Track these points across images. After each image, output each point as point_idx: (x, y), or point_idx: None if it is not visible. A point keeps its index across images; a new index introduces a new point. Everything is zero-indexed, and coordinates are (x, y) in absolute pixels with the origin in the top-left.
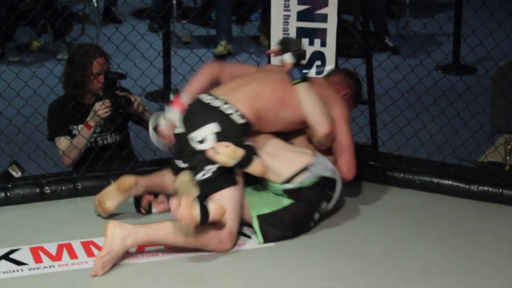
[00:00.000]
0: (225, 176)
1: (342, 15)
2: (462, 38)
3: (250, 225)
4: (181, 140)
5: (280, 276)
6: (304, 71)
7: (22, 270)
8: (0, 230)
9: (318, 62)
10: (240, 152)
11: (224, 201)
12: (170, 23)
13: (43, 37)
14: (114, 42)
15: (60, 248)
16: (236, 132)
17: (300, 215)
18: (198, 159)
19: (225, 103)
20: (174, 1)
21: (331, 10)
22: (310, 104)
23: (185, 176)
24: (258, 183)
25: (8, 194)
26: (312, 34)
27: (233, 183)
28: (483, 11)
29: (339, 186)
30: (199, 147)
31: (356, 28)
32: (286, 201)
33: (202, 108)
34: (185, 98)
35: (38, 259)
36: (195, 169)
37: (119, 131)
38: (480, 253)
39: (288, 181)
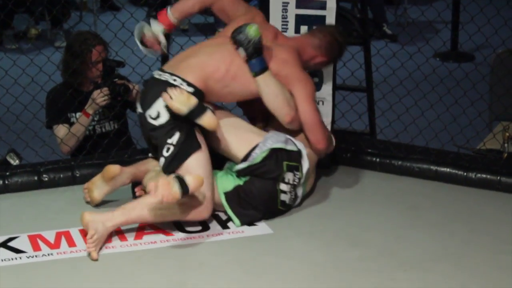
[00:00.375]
0: (187, 144)
1: (340, 2)
2: (460, 25)
3: (223, 211)
4: (141, 120)
5: (278, 263)
6: (261, 62)
7: (20, 258)
8: None
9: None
10: (193, 100)
11: (193, 169)
12: None
13: (41, 25)
14: (112, 29)
15: (58, 236)
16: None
17: (261, 185)
18: (158, 136)
19: (172, 75)
20: None
21: None
22: (269, 96)
23: (151, 173)
24: (222, 167)
25: (6, 182)
26: (311, 21)
27: (196, 147)
28: None
29: (305, 156)
30: (155, 123)
31: (354, 15)
32: (246, 178)
33: (153, 85)
34: (170, 14)
35: (36, 247)
36: (158, 148)
37: (117, 119)
38: (478, 239)
39: (241, 162)
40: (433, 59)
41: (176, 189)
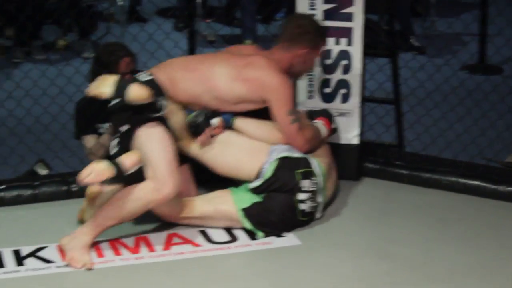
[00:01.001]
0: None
1: (367, 14)
2: (488, 38)
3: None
4: None
5: (305, 275)
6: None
7: (49, 267)
8: (28, 228)
9: (344, 62)
10: (111, 78)
11: (143, 143)
12: (195, 22)
13: (69, 36)
14: (140, 40)
15: None
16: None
17: (279, 199)
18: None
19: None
20: (199, 0)
21: (357, 9)
22: (254, 135)
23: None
24: (238, 183)
25: (36, 192)
26: (338, 33)
27: (144, 121)
28: (509, 11)
29: (313, 160)
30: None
31: (381, 27)
32: (260, 196)
33: None
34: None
35: (65, 257)
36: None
37: None
38: (507, 253)
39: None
40: (461, 72)
41: (105, 167)
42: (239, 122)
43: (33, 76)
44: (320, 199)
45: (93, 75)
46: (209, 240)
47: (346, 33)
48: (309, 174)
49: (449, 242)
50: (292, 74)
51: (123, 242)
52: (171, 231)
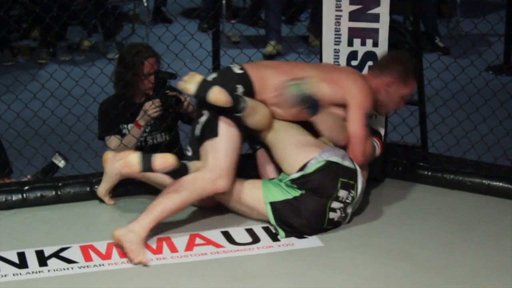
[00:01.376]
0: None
1: (392, 15)
2: None
3: (268, 222)
4: None
5: (328, 277)
6: (314, 108)
7: (72, 268)
8: (51, 228)
9: (370, 63)
10: (198, 77)
11: (214, 145)
12: (220, 23)
13: (94, 37)
14: (164, 41)
15: (110, 247)
16: (230, 77)
17: (311, 203)
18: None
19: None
20: (224, 1)
21: (383, 9)
22: (326, 132)
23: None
24: (275, 177)
25: (59, 193)
26: (364, 34)
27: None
28: None
29: (361, 174)
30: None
31: (406, 28)
32: (297, 192)
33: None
34: None
35: (88, 258)
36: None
37: (168, 131)
38: None
39: (297, 171)
40: (486, 73)
41: (134, 161)
42: (321, 116)
43: (58, 77)
44: (349, 210)
45: (117, 76)
46: (231, 241)
47: (372, 34)
48: (350, 186)
49: (472, 244)
50: (376, 102)
51: (146, 242)
52: (193, 232)
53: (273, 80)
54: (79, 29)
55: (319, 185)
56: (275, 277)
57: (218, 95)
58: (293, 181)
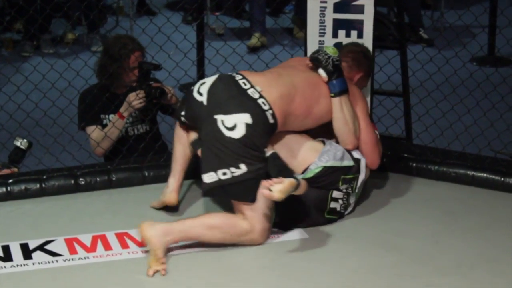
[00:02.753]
0: (244, 188)
1: (376, 6)
2: (497, 30)
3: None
4: (197, 108)
5: (314, 267)
6: (342, 84)
7: (57, 261)
8: (35, 221)
9: None
10: (293, 183)
11: (251, 206)
12: (204, 15)
13: (78, 29)
14: (148, 34)
15: (94, 240)
16: (265, 130)
17: (312, 195)
18: (226, 152)
19: (261, 97)
20: None
21: (368, 1)
22: (340, 121)
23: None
24: None
25: (43, 186)
26: (348, 26)
27: (249, 199)
28: None
29: (363, 165)
30: (228, 133)
31: (391, 20)
32: None
33: (239, 94)
34: None
35: (72, 250)
36: (217, 158)
37: (150, 122)
38: None
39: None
40: (470, 64)
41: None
42: (344, 100)
43: (42, 69)
44: (352, 201)
45: (101, 66)
46: None
47: (357, 25)
48: (352, 179)
49: (457, 235)
50: None
51: (130, 234)
52: None
53: (291, 124)
54: (63, 21)
55: (320, 185)
56: (260, 269)
57: (304, 189)
58: None
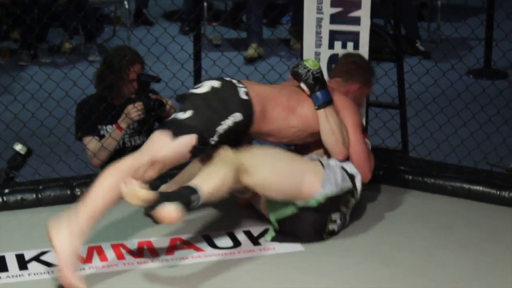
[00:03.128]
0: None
1: (373, 18)
2: (494, 43)
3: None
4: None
5: (309, 280)
6: (325, 95)
7: (52, 272)
8: (31, 232)
9: None
10: (143, 194)
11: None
12: (201, 26)
13: (75, 39)
14: (145, 44)
15: (90, 251)
16: (233, 101)
17: (311, 217)
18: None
19: (239, 82)
20: (205, 4)
21: (364, 12)
22: (327, 132)
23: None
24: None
25: (39, 196)
26: (345, 37)
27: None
28: None
29: (359, 180)
30: (192, 90)
31: (387, 32)
32: (297, 209)
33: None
34: None
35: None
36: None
37: (147, 133)
38: (511, 259)
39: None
40: (466, 76)
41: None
42: (329, 111)
43: (38, 79)
44: (348, 216)
45: (100, 76)
46: (212, 245)
47: (353, 37)
48: (349, 199)
49: (453, 248)
50: None
51: (126, 246)
52: (174, 236)
53: (272, 113)
54: (60, 31)
55: (321, 211)
56: (256, 281)
57: (169, 217)
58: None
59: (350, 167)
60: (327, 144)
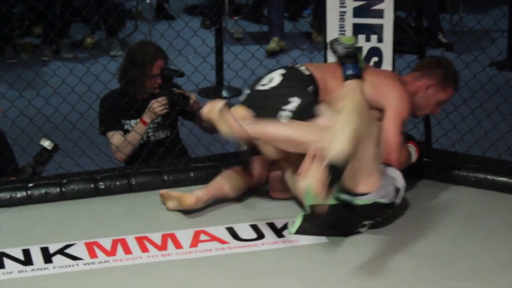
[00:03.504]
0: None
1: (395, 11)
2: None
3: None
4: (249, 100)
5: (334, 272)
6: (353, 69)
7: (77, 265)
8: (56, 225)
9: (375, 59)
10: (218, 104)
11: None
12: (223, 20)
13: (97, 34)
14: (167, 38)
15: (114, 243)
16: (302, 78)
17: (345, 218)
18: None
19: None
20: None
21: (387, 5)
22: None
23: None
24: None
25: (63, 190)
26: (368, 30)
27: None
28: None
29: (402, 192)
30: (263, 88)
31: (410, 24)
32: (336, 201)
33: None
34: None
35: (93, 254)
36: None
37: (170, 127)
38: None
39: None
40: (490, 68)
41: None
42: (356, 85)
43: (61, 74)
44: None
45: (124, 71)
46: (236, 237)
47: (377, 30)
48: (387, 214)
49: (477, 239)
50: (412, 104)
51: (150, 238)
52: (198, 228)
53: (333, 84)
54: (82, 26)
55: (359, 213)
56: (280, 273)
57: (242, 113)
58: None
59: (399, 181)
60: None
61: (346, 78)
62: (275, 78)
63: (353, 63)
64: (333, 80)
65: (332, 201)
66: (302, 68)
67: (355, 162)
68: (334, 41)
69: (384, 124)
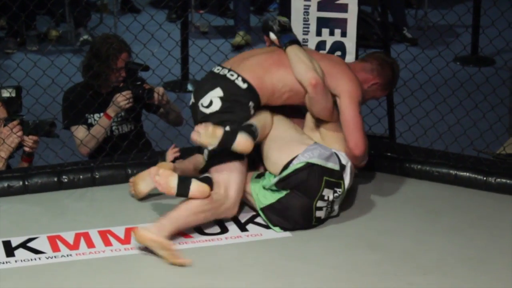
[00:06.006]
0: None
1: (360, 6)
2: (481, 29)
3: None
4: (193, 110)
5: (297, 266)
6: (291, 36)
7: (39, 258)
8: (18, 219)
9: (338, 53)
10: (219, 132)
11: (226, 171)
12: (188, 13)
13: (62, 26)
14: (132, 31)
15: (77, 237)
16: (241, 95)
17: (297, 203)
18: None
19: (230, 70)
20: None
21: (352, 0)
22: (297, 64)
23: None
24: (261, 176)
25: (26, 183)
26: (332, 24)
27: (236, 157)
28: (502, 2)
29: (349, 170)
30: (206, 111)
31: (375, 19)
32: (282, 193)
33: (210, 78)
34: None
35: (55, 248)
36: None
37: (135, 121)
38: (497, 244)
39: (281, 172)
40: (453, 63)
41: (173, 185)
42: (297, 48)
43: (25, 67)
44: (336, 206)
45: (87, 65)
46: (199, 231)
47: (340, 24)
48: (335, 185)
49: (440, 233)
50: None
51: (114, 232)
52: None
53: (268, 77)
54: (47, 18)
55: (300, 184)
56: (244, 267)
57: (244, 146)
58: (277, 184)
59: (343, 157)
60: (298, 74)
61: (286, 46)
62: (214, 101)
63: (290, 33)
64: (264, 73)
65: (275, 196)
66: (237, 80)
67: (266, 147)
68: (269, 19)
69: (341, 108)
